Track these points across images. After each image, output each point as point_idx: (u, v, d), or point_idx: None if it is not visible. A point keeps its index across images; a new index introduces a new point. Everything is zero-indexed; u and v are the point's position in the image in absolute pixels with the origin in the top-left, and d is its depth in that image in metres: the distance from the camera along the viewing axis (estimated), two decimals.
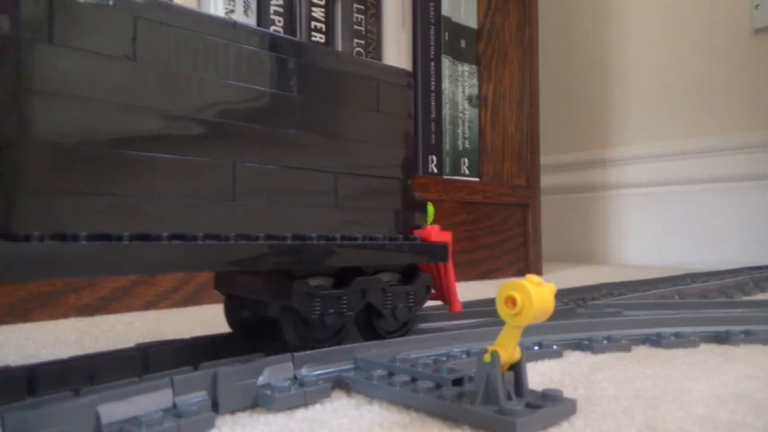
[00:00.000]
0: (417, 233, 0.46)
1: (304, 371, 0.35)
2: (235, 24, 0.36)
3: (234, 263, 0.34)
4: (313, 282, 0.39)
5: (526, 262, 1.20)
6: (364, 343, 0.39)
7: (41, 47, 0.28)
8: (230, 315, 0.44)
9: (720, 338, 0.47)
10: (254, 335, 0.43)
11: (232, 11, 0.81)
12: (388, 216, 0.45)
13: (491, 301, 0.58)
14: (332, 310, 0.39)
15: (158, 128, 0.33)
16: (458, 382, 0.32)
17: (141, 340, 0.44)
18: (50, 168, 0.29)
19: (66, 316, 0.66)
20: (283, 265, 0.37)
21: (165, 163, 0.33)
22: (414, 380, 0.33)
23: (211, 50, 0.35)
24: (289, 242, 0.37)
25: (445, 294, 0.48)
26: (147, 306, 0.72)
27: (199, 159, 0.34)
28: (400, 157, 0.46)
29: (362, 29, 0.97)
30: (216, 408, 0.31)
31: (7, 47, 0.27)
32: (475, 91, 1.19)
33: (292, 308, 0.38)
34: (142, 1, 0.32)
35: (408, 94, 0.47)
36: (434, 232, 0.46)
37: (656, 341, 0.46)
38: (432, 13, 1.09)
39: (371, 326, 0.43)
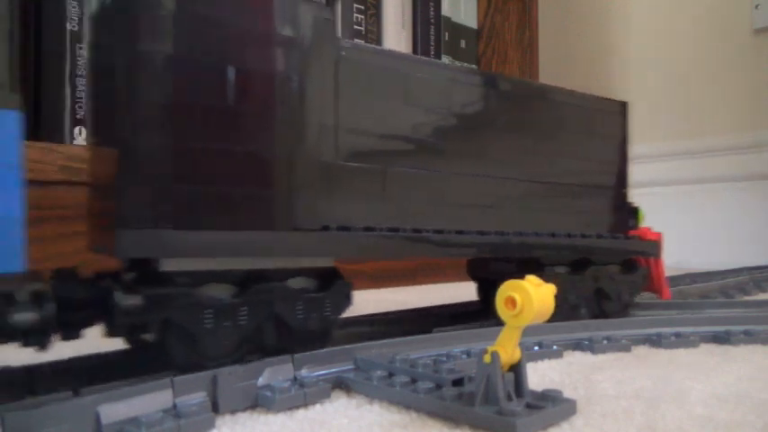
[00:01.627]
0: (633, 233, 0.58)
1: (304, 371, 0.35)
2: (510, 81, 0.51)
3: (499, 251, 0.47)
4: (558, 269, 0.52)
5: None
6: (364, 343, 0.39)
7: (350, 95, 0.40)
8: (482, 295, 0.58)
9: (720, 338, 0.47)
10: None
11: None
12: (610, 219, 0.57)
13: None
14: (572, 293, 0.52)
15: (427, 154, 0.45)
16: (458, 382, 0.32)
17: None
18: (348, 181, 0.40)
19: None
20: (535, 255, 0.50)
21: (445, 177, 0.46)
22: (414, 380, 0.33)
23: (472, 95, 0.48)
24: (541, 238, 0.50)
25: (656, 284, 0.61)
26: None
27: (483, 176, 0.48)
28: (617, 171, 0.59)
29: (362, 29, 0.97)
30: (216, 408, 0.30)
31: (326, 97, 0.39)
32: None
33: None
34: (408, 61, 0.45)
35: (623, 120, 0.60)
36: (648, 232, 0.58)
37: (656, 341, 0.46)
38: (432, 13, 1.09)
39: (600, 307, 0.55)
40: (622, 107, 0.60)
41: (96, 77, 0.37)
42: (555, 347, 0.43)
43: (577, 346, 0.46)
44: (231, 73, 0.34)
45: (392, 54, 0.44)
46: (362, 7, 0.97)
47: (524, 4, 1.25)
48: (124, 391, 0.28)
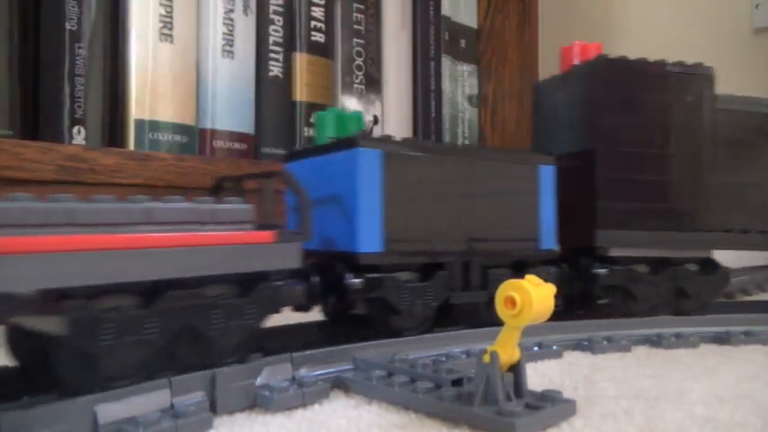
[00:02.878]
0: None
1: (303, 371, 0.35)
2: None
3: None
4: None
5: None
6: (363, 343, 0.39)
7: None
8: None
9: (720, 339, 0.47)
10: None
11: (231, 10, 0.81)
12: None
13: None
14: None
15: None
16: (457, 382, 0.32)
17: None
18: (721, 195, 0.56)
19: None
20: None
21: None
22: (413, 380, 0.33)
23: None
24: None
25: None
26: None
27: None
28: None
29: (362, 28, 0.97)
30: (214, 408, 0.30)
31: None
32: (475, 91, 1.19)
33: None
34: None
35: None
36: None
37: (656, 341, 0.46)
38: (432, 13, 1.09)
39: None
40: None
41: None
42: (555, 347, 0.43)
43: (577, 346, 0.45)
44: (655, 131, 0.54)
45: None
46: (362, 7, 0.97)
47: (524, 4, 1.25)
48: (121, 391, 0.28)
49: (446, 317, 0.46)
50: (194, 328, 0.32)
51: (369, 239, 0.41)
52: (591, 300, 0.57)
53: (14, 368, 0.33)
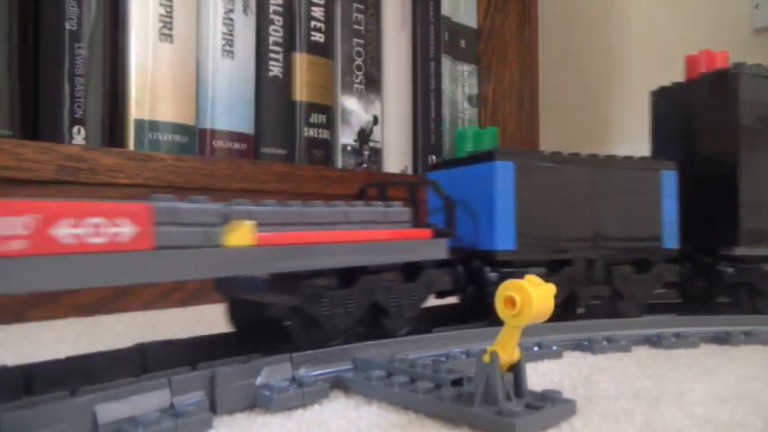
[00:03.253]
0: None
1: (302, 371, 0.35)
2: None
3: None
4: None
5: None
6: (363, 343, 0.39)
7: None
8: None
9: (720, 339, 0.47)
10: None
11: (231, 10, 0.81)
12: None
13: None
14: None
15: None
16: (457, 382, 0.32)
17: (141, 340, 0.44)
18: None
19: (65, 316, 0.66)
20: None
21: None
22: (413, 380, 0.33)
23: None
24: None
25: None
26: (146, 306, 0.72)
27: None
28: None
29: (362, 28, 0.97)
30: (214, 408, 0.30)
31: None
32: (475, 91, 1.19)
33: None
34: None
35: None
36: None
37: (656, 342, 0.46)
38: (431, 13, 1.09)
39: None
40: None
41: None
42: (555, 348, 0.43)
43: (577, 346, 0.45)
44: None
45: None
46: (362, 7, 0.97)
47: (524, 4, 1.25)
48: (121, 391, 0.28)
49: (571, 309, 0.51)
50: (380, 304, 0.41)
51: (504, 238, 0.47)
52: (711, 297, 0.58)
53: (233, 333, 0.42)
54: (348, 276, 0.39)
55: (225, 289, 0.42)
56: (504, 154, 0.48)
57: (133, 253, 0.27)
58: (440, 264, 0.46)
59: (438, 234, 0.43)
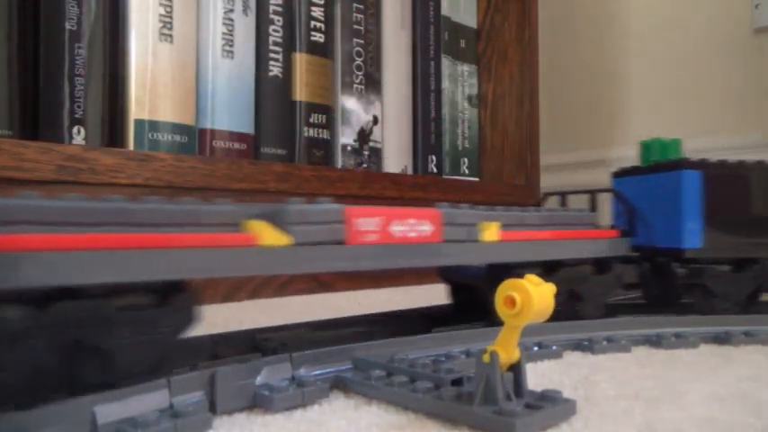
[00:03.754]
0: None
1: (302, 371, 0.35)
2: None
3: None
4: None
5: None
6: (363, 343, 0.38)
7: None
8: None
9: (720, 339, 0.47)
10: None
11: (231, 10, 0.81)
12: None
13: None
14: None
15: None
16: (457, 382, 0.32)
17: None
18: None
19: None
20: None
21: None
22: (412, 380, 0.33)
23: None
24: None
25: None
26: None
27: None
28: None
29: (362, 28, 0.97)
30: (213, 408, 0.30)
31: None
32: (475, 91, 1.19)
33: None
34: None
35: None
36: None
37: (656, 342, 0.46)
38: (431, 13, 1.09)
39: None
40: None
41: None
42: (555, 347, 0.43)
43: (577, 346, 0.45)
44: None
45: None
46: (362, 7, 0.97)
47: (524, 4, 1.24)
48: (120, 392, 0.28)
49: (754, 303, 0.56)
50: (576, 293, 0.49)
51: (691, 238, 0.54)
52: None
53: (451, 305, 0.55)
54: (548, 268, 0.47)
55: (445, 275, 0.54)
56: (691, 163, 0.54)
57: (432, 244, 0.39)
58: (627, 260, 0.53)
59: (623, 234, 0.52)
